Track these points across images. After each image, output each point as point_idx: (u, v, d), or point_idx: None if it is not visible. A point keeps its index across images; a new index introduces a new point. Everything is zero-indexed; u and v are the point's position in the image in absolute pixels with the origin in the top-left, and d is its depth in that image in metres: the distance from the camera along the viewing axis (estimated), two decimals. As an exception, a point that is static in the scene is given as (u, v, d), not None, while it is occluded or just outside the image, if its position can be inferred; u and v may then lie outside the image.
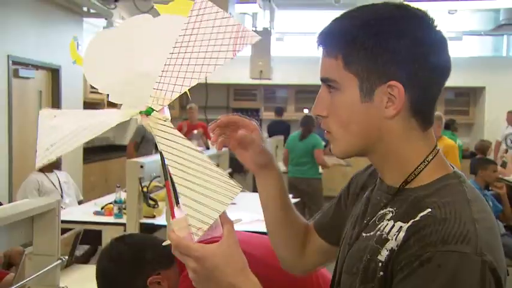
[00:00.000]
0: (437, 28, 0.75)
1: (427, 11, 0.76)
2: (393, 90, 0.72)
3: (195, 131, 6.18)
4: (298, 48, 8.51)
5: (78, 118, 0.74)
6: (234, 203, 3.68)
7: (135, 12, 6.12)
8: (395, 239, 0.70)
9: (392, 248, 0.70)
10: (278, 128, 7.72)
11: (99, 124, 0.72)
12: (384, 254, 0.71)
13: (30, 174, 4.31)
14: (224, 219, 0.71)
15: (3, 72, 4.75)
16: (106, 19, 6.43)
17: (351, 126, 0.75)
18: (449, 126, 7.01)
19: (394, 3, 0.76)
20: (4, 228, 1.21)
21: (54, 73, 5.68)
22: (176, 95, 0.71)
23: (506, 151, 6.44)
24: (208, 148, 5.57)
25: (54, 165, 4.32)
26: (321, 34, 0.77)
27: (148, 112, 0.72)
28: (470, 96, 8.96)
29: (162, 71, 0.72)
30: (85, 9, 6.06)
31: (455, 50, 8.09)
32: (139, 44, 0.75)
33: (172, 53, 0.72)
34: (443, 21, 7.51)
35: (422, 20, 0.74)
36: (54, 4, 5.53)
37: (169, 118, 0.73)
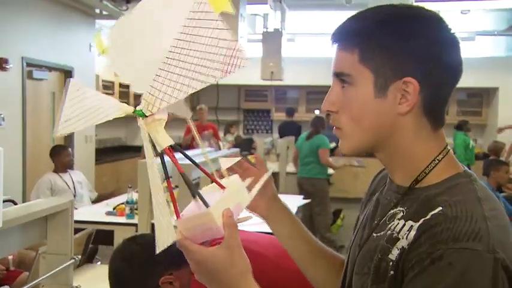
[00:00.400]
0: (451, 30, 0.75)
1: (439, 13, 0.77)
2: (408, 86, 0.72)
3: (206, 132, 6.20)
4: (309, 49, 8.49)
5: (98, 97, 0.73)
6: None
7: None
8: (406, 238, 0.70)
9: (403, 246, 0.70)
10: (289, 129, 7.71)
11: (106, 110, 0.71)
12: (394, 253, 0.71)
13: (44, 174, 4.37)
14: (227, 220, 0.69)
15: (17, 73, 4.82)
16: (118, 21, 6.48)
17: (363, 122, 0.75)
18: (462, 127, 6.96)
19: (407, 5, 0.77)
20: (18, 228, 1.23)
21: (67, 74, 5.74)
22: (164, 104, 0.68)
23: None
24: (219, 149, 5.59)
25: (68, 166, 4.38)
26: (336, 30, 0.78)
27: (139, 114, 0.70)
28: (483, 97, 8.87)
29: (156, 75, 0.68)
30: (97, 11, 6.12)
31: (468, 50, 8.00)
32: (150, 30, 0.70)
33: (168, 58, 0.68)
34: (456, 21, 7.44)
35: (436, 21, 0.75)
36: (67, 6, 5.60)
37: (165, 119, 0.70)
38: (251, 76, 7.84)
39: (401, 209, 0.75)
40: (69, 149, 4.57)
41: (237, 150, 4.13)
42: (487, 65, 8.08)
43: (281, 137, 7.26)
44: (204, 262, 0.69)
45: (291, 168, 6.08)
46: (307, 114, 8.93)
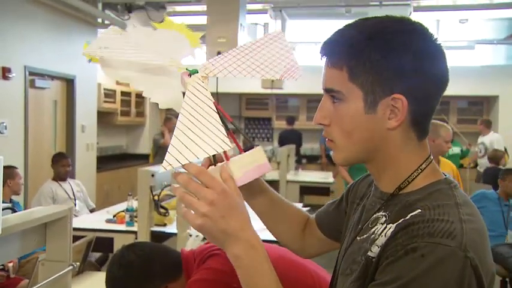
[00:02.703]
0: (435, 40, 0.77)
1: (423, 25, 0.78)
2: (397, 103, 0.74)
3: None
4: (309, 58, 8.53)
5: (134, 44, 0.87)
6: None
7: (148, 22, 6.21)
8: (385, 235, 0.73)
9: (382, 243, 0.73)
10: (289, 137, 7.74)
11: (150, 55, 0.84)
12: (374, 250, 0.74)
13: (45, 183, 4.39)
14: (225, 175, 0.76)
15: (20, 82, 4.86)
16: (120, 30, 6.53)
17: (354, 136, 0.78)
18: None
19: (395, 17, 0.78)
20: (17, 235, 1.25)
21: (69, 83, 5.79)
22: (219, 75, 0.83)
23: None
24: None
25: (62, 176, 4.39)
26: (324, 44, 0.80)
27: (192, 72, 0.82)
28: (484, 105, 8.88)
29: (222, 54, 0.85)
30: (99, 20, 6.17)
31: (468, 59, 8.04)
32: (146, 46, 0.87)
33: (238, 48, 0.86)
34: (456, 30, 7.48)
35: (420, 33, 0.76)
36: (70, 16, 5.66)
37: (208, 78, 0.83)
38: (252, 84, 7.88)
39: (383, 213, 0.79)
40: (68, 159, 4.51)
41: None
42: (487, 73, 8.10)
43: (281, 145, 7.28)
44: (227, 193, 0.74)
45: (291, 176, 6.10)
46: (307, 122, 8.95)
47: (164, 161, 0.73)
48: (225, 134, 0.76)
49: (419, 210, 0.72)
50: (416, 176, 0.78)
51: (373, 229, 0.78)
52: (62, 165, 4.39)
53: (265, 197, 1.03)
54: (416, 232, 0.68)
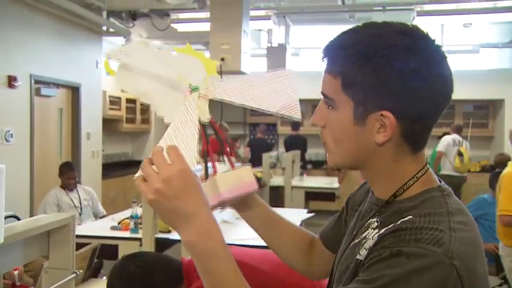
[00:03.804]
0: (441, 53, 0.74)
1: (431, 35, 0.75)
2: (385, 119, 0.74)
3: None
4: (314, 63, 8.54)
5: (155, 57, 0.92)
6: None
7: (152, 30, 6.25)
8: (373, 238, 0.74)
9: (370, 246, 0.73)
10: (295, 143, 7.73)
11: (163, 68, 0.90)
12: (362, 254, 0.74)
13: (51, 190, 4.41)
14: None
15: (25, 91, 4.90)
16: (125, 37, 6.59)
17: (343, 144, 0.78)
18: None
19: (400, 27, 0.75)
20: (21, 243, 1.26)
21: (75, 91, 5.83)
22: (218, 97, 0.88)
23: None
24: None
25: (73, 186, 4.41)
26: (326, 47, 0.79)
27: (194, 89, 0.88)
28: (490, 108, 8.84)
29: (229, 77, 0.90)
30: (104, 28, 6.22)
31: (473, 63, 8.01)
32: (165, 62, 0.93)
33: (245, 76, 0.90)
34: (460, 34, 7.47)
35: (424, 49, 0.73)
36: (75, 24, 5.70)
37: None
38: (256, 90, 7.87)
39: (376, 219, 0.79)
40: (74, 172, 4.47)
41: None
42: (492, 77, 8.07)
43: (287, 150, 7.28)
44: (187, 173, 0.71)
45: (296, 181, 6.09)
46: (312, 128, 8.94)
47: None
48: (195, 155, 0.80)
49: (411, 217, 0.71)
50: (412, 184, 0.77)
51: (365, 233, 0.78)
52: (67, 178, 4.41)
53: (258, 211, 1.04)
54: (403, 237, 0.68)
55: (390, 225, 0.72)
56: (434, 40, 0.75)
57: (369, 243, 0.74)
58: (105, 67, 0.96)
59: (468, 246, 0.69)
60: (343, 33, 0.78)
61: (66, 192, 4.38)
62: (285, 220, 1.09)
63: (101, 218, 4.50)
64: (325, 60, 0.79)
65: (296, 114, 0.87)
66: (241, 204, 1.02)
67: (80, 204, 4.41)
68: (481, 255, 0.72)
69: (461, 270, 0.66)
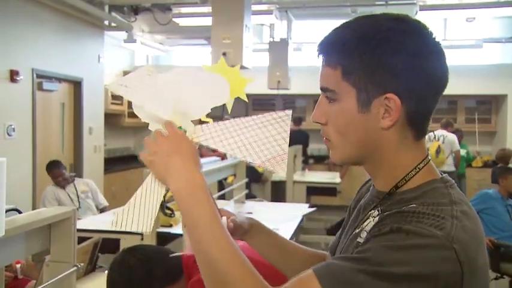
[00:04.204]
0: (434, 38, 0.76)
1: (425, 23, 0.77)
2: (390, 102, 0.74)
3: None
4: (316, 58, 8.51)
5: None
6: (251, 212, 3.70)
7: (154, 24, 6.24)
8: (374, 221, 0.74)
9: (370, 228, 0.74)
10: (297, 138, 7.72)
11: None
12: (363, 236, 0.75)
13: (46, 187, 4.40)
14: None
15: (27, 85, 4.90)
16: (126, 32, 6.58)
17: (349, 136, 0.78)
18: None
19: (393, 15, 0.77)
20: (22, 236, 1.26)
21: (77, 85, 5.83)
22: (204, 143, 0.87)
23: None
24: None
25: (64, 183, 4.38)
26: (321, 43, 0.80)
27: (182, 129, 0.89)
28: (492, 104, 8.80)
29: (218, 123, 0.88)
30: (106, 22, 6.21)
31: (476, 58, 7.98)
32: (171, 88, 0.89)
33: (235, 120, 0.88)
34: (463, 28, 7.44)
35: (417, 32, 0.75)
36: (77, 19, 5.69)
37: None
38: (258, 85, 7.86)
39: (378, 209, 0.79)
40: (59, 169, 4.36)
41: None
42: (495, 72, 8.02)
43: (289, 146, 7.26)
44: (180, 137, 0.83)
45: (298, 176, 6.09)
46: (314, 123, 8.93)
47: (113, 219, 0.86)
48: (152, 221, 0.87)
49: (414, 205, 0.72)
50: (413, 175, 0.77)
51: (365, 223, 0.79)
52: (54, 177, 4.34)
53: (261, 239, 1.05)
54: (405, 218, 0.68)
55: (393, 210, 0.72)
56: (427, 27, 0.77)
57: (370, 225, 0.74)
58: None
59: (470, 235, 0.69)
60: (337, 28, 0.79)
61: (62, 188, 4.37)
62: (296, 246, 1.08)
63: (102, 210, 4.50)
64: (321, 56, 0.80)
65: (281, 168, 0.85)
66: (238, 233, 1.03)
67: (78, 198, 4.40)
68: (482, 246, 0.72)
69: (462, 257, 0.65)
